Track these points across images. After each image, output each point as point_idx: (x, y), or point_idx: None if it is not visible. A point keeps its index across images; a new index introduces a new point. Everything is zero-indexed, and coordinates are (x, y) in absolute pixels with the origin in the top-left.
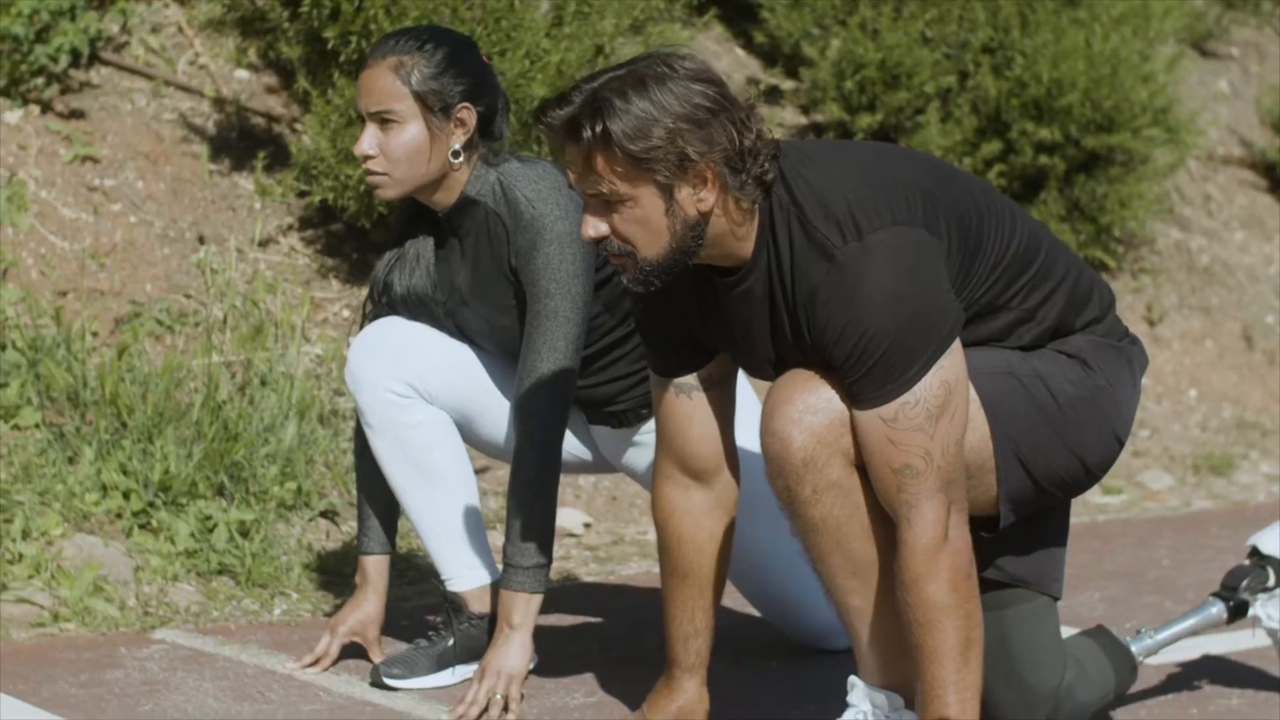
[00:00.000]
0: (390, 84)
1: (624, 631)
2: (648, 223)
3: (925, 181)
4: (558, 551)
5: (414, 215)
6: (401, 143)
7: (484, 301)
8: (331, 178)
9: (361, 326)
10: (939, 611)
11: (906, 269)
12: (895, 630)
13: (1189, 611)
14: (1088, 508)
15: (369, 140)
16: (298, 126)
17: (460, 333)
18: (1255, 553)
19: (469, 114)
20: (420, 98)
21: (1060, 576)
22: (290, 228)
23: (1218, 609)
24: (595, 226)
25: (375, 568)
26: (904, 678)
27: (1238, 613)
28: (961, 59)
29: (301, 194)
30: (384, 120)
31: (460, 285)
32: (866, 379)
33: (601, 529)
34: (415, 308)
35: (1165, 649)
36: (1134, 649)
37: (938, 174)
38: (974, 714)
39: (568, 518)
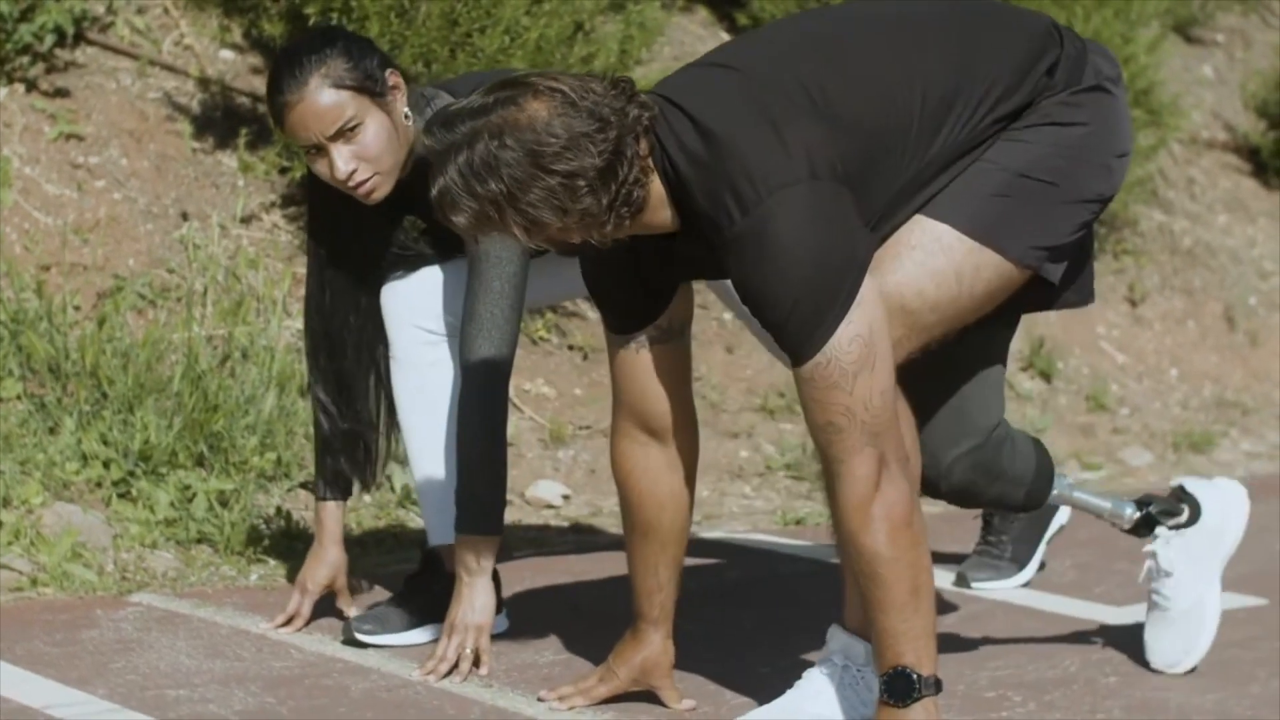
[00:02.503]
0: (331, 98)
1: (596, 595)
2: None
3: (802, 101)
4: (535, 522)
5: (338, 227)
6: (373, 139)
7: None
8: None
9: (313, 295)
10: (878, 563)
11: (796, 237)
12: None
13: (1109, 497)
14: None
15: (342, 160)
16: None
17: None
18: (1180, 489)
19: (396, 76)
20: (362, 90)
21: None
22: (273, 205)
23: (1130, 510)
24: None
25: (332, 515)
26: None
27: (1145, 524)
28: None
29: (283, 170)
30: (346, 133)
31: (442, 236)
32: (781, 343)
33: (580, 501)
34: (414, 263)
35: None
36: (1056, 479)
37: (819, 73)
38: (930, 660)
39: (546, 489)
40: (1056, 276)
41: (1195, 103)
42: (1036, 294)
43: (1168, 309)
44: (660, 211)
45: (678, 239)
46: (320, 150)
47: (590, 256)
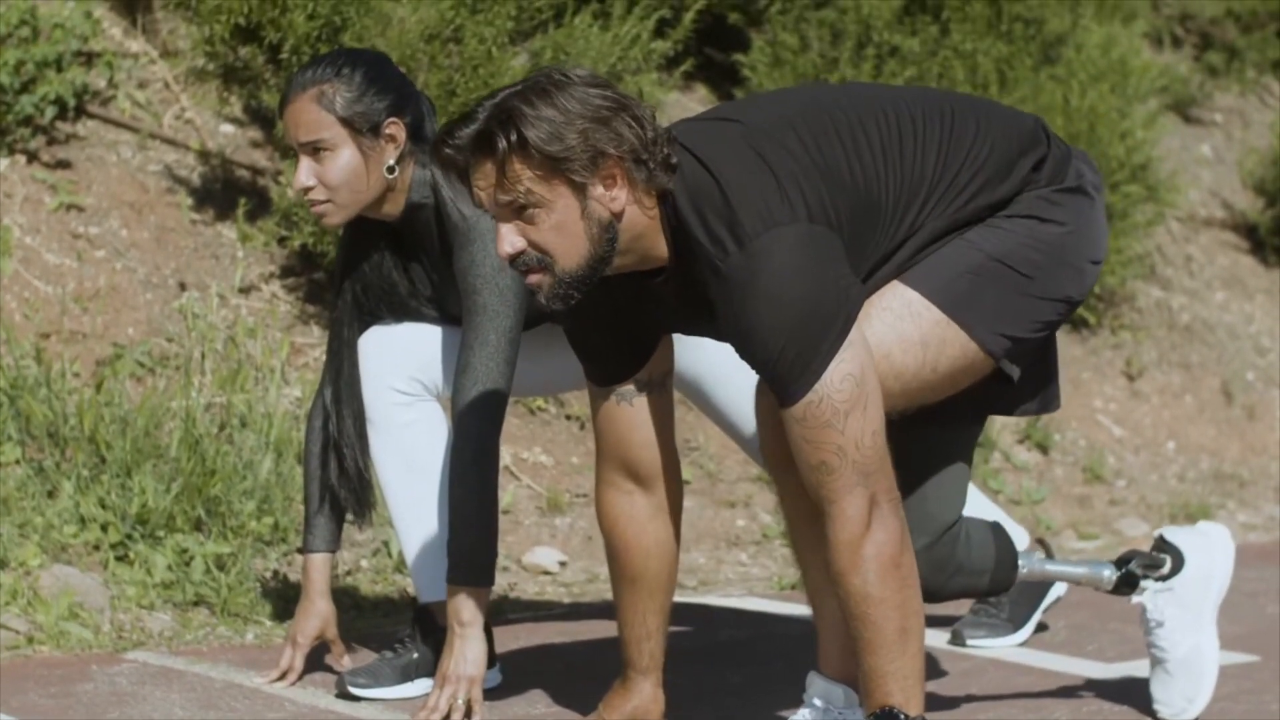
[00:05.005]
0: (315, 114)
1: (589, 652)
2: (564, 228)
3: (802, 156)
4: (532, 587)
5: (356, 236)
6: (337, 169)
7: (456, 293)
8: (312, 223)
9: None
10: (868, 604)
11: (790, 274)
12: None
13: (1084, 562)
14: (1062, 551)
15: (305, 172)
16: (281, 180)
17: (449, 316)
18: (1160, 539)
19: (397, 128)
20: (347, 123)
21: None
22: (272, 275)
23: (1109, 572)
24: (512, 242)
25: (319, 567)
26: None
27: (1125, 583)
28: None
29: (282, 240)
30: (316, 150)
31: (434, 282)
32: (770, 380)
33: (576, 567)
34: (399, 309)
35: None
36: (1021, 560)
37: (817, 132)
38: (917, 701)
39: (543, 556)
40: (1016, 374)
41: (1193, 180)
42: (998, 394)
43: (1165, 383)
44: (658, 241)
45: (664, 282)
46: (295, 153)
47: (574, 312)
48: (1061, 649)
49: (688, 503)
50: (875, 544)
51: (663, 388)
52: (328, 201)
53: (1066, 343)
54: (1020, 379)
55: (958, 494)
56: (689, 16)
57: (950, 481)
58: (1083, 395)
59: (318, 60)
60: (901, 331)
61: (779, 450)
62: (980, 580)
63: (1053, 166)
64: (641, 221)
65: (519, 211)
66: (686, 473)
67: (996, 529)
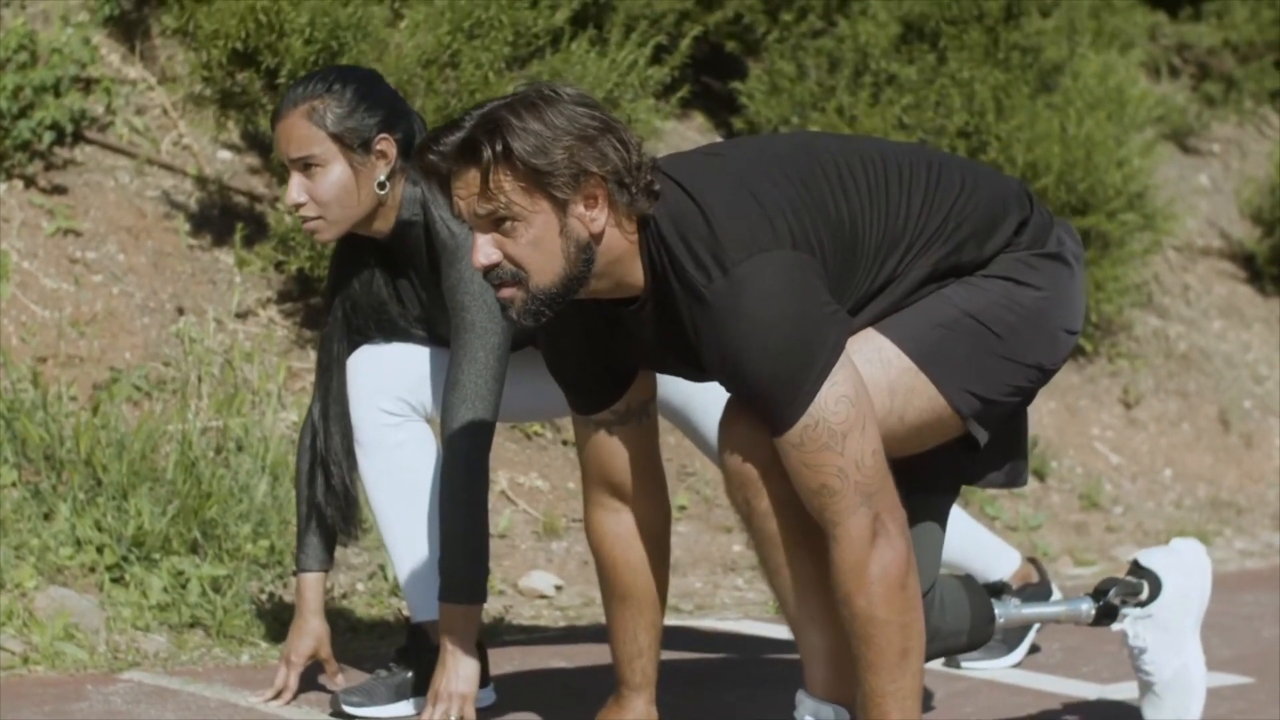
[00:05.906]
0: (306, 130)
1: (583, 673)
2: (541, 244)
3: (788, 189)
4: (528, 612)
5: (347, 254)
6: (328, 185)
7: (444, 311)
8: (309, 248)
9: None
10: (872, 625)
11: (776, 297)
12: (844, 645)
13: (1061, 599)
14: (1059, 578)
15: (296, 188)
16: (278, 205)
17: (437, 337)
18: (1135, 564)
19: (388, 144)
20: (338, 138)
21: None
22: (269, 300)
23: (1086, 606)
24: (487, 253)
25: (312, 586)
26: (852, 692)
27: (1105, 615)
28: (938, 143)
29: (279, 265)
30: (307, 166)
31: (423, 300)
32: (763, 408)
33: (572, 591)
34: (388, 329)
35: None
36: (997, 610)
37: (804, 170)
38: (915, 719)
39: (539, 580)
40: (983, 438)
41: (1190, 209)
42: (966, 461)
43: (1162, 411)
44: (635, 267)
45: (639, 309)
46: (287, 169)
47: (551, 341)
48: (1056, 670)
49: (685, 527)
50: (881, 565)
51: (644, 414)
52: (319, 218)
53: (1064, 371)
54: (990, 449)
55: (931, 561)
56: (686, 43)
57: (923, 550)
58: (1080, 423)
59: (309, 77)
60: (870, 376)
61: (746, 482)
62: (958, 640)
63: (1034, 231)
64: (620, 245)
65: (497, 223)
66: (683, 498)
67: (969, 584)
